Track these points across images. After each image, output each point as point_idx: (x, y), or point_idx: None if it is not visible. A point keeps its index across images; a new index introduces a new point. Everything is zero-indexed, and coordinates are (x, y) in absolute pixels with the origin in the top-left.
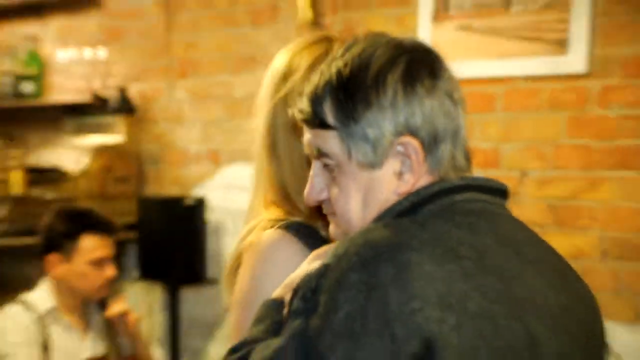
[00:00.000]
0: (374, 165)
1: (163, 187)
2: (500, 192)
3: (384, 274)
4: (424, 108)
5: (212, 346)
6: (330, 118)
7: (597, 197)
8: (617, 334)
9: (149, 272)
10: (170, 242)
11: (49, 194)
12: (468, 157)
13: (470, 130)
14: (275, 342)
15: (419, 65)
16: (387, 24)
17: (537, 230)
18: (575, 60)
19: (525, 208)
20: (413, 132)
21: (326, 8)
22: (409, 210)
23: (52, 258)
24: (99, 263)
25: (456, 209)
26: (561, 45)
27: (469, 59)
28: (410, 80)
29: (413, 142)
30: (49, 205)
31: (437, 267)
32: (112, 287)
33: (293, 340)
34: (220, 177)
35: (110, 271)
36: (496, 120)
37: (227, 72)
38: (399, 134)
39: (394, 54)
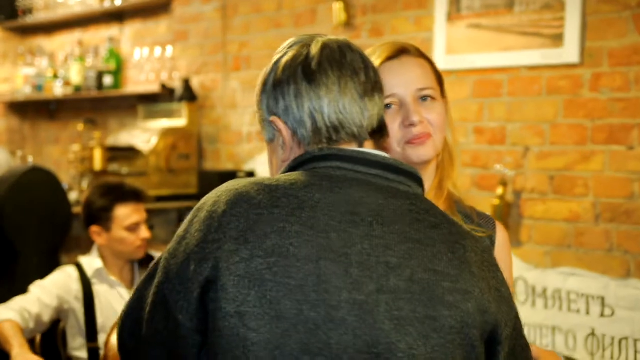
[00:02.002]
0: (271, 140)
1: (219, 162)
2: (380, 165)
3: (208, 209)
4: (285, 100)
5: None
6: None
7: (589, 168)
8: (610, 288)
9: None
10: None
11: (124, 168)
12: (346, 130)
13: (480, 112)
14: None
15: (287, 72)
16: (407, 24)
17: (538, 197)
18: (570, 52)
19: (528, 178)
20: (280, 116)
21: (357, 11)
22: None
23: (94, 229)
24: (134, 228)
25: (311, 173)
26: (557, 39)
27: (478, 52)
28: (277, 79)
29: (278, 122)
30: (125, 178)
31: (249, 210)
32: (150, 246)
33: (158, 259)
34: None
35: (144, 233)
36: (502, 103)
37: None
38: (271, 114)
39: (278, 59)
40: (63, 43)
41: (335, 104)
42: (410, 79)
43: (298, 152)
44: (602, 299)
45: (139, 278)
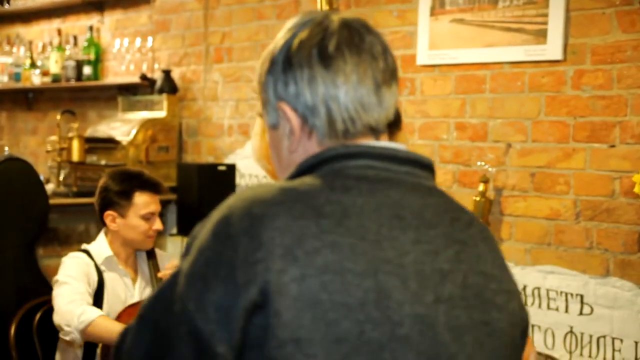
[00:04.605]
0: (274, 125)
1: (200, 155)
2: (409, 161)
3: (240, 225)
4: (297, 85)
5: None
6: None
7: (571, 166)
8: (590, 286)
9: (186, 228)
10: (204, 203)
11: (102, 160)
12: (363, 122)
13: (462, 108)
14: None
15: (301, 54)
16: (391, 18)
17: (519, 194)
18: (553, 48)
19: (509, 175)
20: (288, 101)
21: (340, 3)
22: (307, 171)
23: (109, 214)
24: (149, 217)
25: (343, 173)
26: (541, 35)
27: (462, 47)
28: (288, 60)
29: (286, 108)
30: (103, 170)
31: (291, 222)
32: (158, 239)
33: (169, 282)
34: (248, 147)
35: (158, 225)
36: (485, 99)
37: (255, 58)
38: (278, 98)
39: (289, 38)
40: (41, 32)
41: (352, 93)
42: None
43: (308, 144)
44: (581, 296)
45: (142, 269)
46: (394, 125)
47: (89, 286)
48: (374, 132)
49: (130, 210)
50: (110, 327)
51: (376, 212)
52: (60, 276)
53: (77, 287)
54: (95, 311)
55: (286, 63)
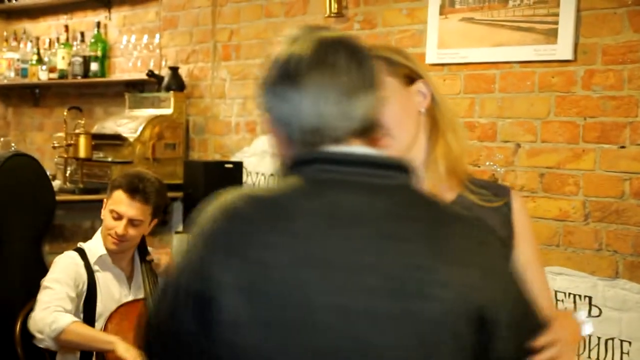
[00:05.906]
0: (269, 129)
1: (207, 153)
2: (365, 163)
3: (204, 227)
4: (271, 100)
5: None
6: None
7: (580, 166)
8: (598, 288)
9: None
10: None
11: (109, 156)
12: (325, 133)
13: (471, 108)
14: None
15: (278, 72)
16: (400, 16)
17: (527, 195)
18: (563, 48)
19: (518, 176)
20: (269, 114)
21: (349, 2)
22: (284, 175)
23: (104, 199)
24: (117, 217)
25: (301, 179)
26: (551, 35)
27: (471, 46)
28: (269, 80)
29: (266, 119)
30: (109, 167)
31: (237, 226)
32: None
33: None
34: (256, 145)
35: (119, 228)
36: (494, 99)
37: (263, 55)
38: (263, 109)
39: (271, 61)
40: (49, 28)
41: (314, 108)
42: None
43: (290, 150)
44: (590, 298)
45: (138, 269)
46: (370, 131)
47: (74, 288)
48: (339, 142)
49: (108, 201)
50: (83, 333)
51: (314, 213)
52: (47, 279)
53: (58, 292)
54: (67, 318)
55: (265, 79)
